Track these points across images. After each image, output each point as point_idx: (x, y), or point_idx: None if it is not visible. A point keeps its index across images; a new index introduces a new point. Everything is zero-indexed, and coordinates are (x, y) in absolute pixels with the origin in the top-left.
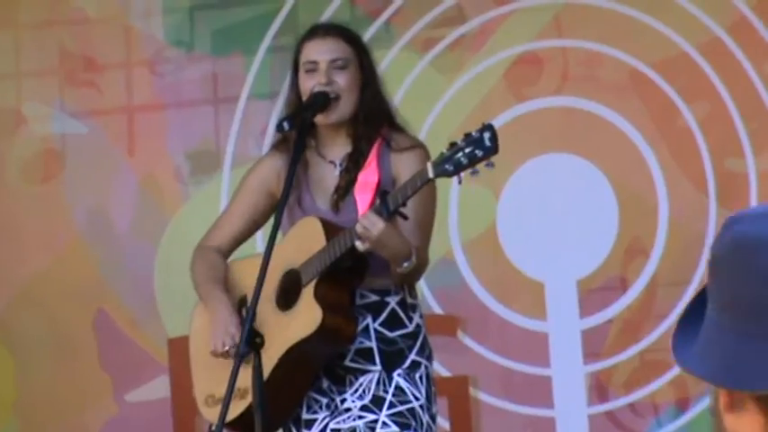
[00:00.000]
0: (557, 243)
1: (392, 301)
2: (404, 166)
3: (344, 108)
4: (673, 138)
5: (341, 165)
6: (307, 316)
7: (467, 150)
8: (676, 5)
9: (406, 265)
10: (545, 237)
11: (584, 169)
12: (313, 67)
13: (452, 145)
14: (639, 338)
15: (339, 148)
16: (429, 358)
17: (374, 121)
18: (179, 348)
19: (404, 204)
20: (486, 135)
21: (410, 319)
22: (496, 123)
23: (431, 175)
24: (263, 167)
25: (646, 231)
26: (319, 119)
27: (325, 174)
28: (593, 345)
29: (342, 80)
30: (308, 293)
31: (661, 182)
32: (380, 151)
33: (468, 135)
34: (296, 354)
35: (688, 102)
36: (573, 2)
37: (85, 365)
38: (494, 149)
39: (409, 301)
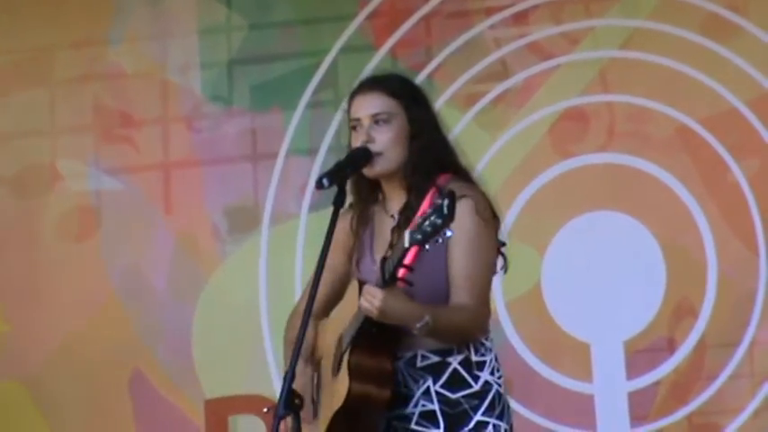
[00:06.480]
0: (603, 303)
1: (454, 362)
2: None
3: (387, 162)
4: (721, 195)
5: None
6: (342, 385)
7: (431, 218)
8: (725, 60)
9: (418, 326)
10: (591, 296)
11: (631, 227)
12: (357, 124)
13: None
14: (688, 401)
15: (397, 201)
16: (501, 416)
17: (424, 172)
18: (216, 409)
19: (396, 272)
20: (445, 202)
21: (476, 378)
22: (541, 181)
23: (406, 244)
24: (338, 230)
25: (694, 291)
26: (365, 171)
27: (385, 227)
28: (641, 407)
29: (383, 135)
30: (345, 361)
31: (710, 240)
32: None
33: (436, 202)
34: (340, 423)
35: (737, 158)
36: (619, 56)
37: (120, 427)
38: (450, 217)
39: (474, 359)
